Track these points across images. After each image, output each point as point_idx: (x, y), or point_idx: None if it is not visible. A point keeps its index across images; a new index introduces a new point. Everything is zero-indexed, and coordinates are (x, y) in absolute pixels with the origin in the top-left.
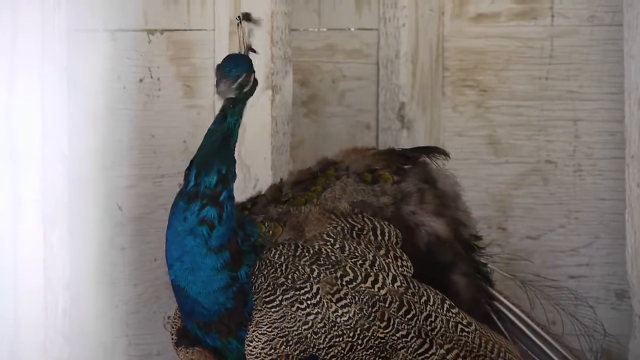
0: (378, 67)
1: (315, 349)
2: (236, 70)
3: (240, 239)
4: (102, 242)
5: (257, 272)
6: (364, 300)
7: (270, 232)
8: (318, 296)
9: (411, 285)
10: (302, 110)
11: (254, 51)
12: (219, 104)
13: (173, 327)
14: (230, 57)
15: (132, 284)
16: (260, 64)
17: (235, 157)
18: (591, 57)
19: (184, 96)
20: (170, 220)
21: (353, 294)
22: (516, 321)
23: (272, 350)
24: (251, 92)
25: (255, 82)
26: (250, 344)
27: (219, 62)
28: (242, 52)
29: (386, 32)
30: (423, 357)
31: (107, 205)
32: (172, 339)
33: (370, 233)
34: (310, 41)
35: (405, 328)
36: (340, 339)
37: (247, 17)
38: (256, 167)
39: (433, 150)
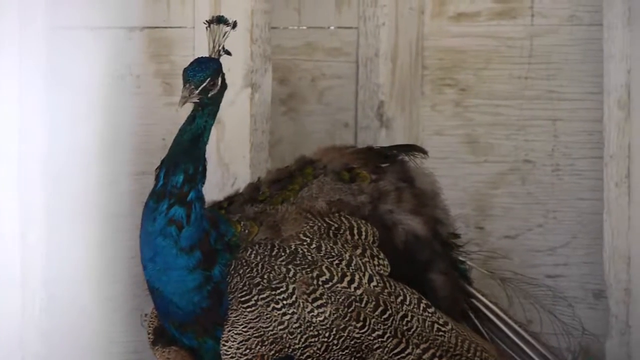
0: (357, 66)
1: (290, 349)
2: (200, 75)
3: (213, 239)
4: (80, 240)
5: (232, 272)
6: (340, 300)
7: (247, 231)
8: (294, 296)
9: (387, 284)
10: (281, 108)
11: (229, 53)
12: None
13: (150, 326)
14: (197, 61)
15: (109, 281)
16: (239, 61)
17: (210, 156)
18: (571, 56)
19: (163, 93)
20: (142, 221)
21: (329, 294)
22: (494, 319)
23: (248, 350)
24: (219, 96)
25: (224, 85)
26: (226, 343)
27: (186, 66)
28: (213, 55)
29: (366, 30)
30: (399, 357)
31: (85, 203)
32: (149, 338)
33: (347, 232)
34: (290, 39)
35: (382, 328)
36: (316, 339)
37: (220, 19)
38: (235, 165)
39: (411, 149)
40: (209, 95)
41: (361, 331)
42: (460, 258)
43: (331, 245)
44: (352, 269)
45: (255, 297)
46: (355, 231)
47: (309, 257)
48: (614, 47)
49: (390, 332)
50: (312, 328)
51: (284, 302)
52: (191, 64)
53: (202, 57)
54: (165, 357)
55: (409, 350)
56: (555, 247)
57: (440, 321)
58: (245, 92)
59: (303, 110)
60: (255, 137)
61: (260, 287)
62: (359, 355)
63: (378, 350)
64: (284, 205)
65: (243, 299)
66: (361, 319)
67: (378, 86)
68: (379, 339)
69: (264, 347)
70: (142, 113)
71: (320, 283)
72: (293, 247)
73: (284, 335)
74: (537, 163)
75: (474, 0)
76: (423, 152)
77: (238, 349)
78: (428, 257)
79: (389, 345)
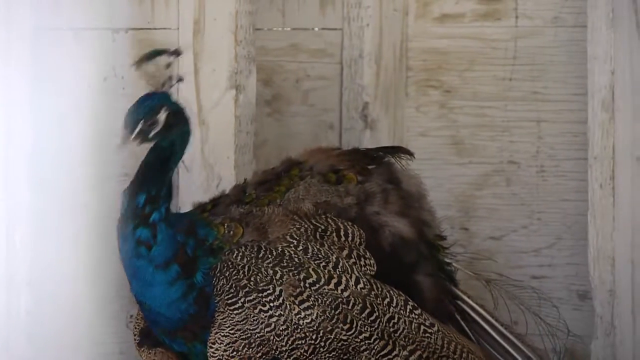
0: (342, 67)
1: (277, 351)
2: (134, 117)
3: (191, 247)
4: (65, 241)
5: (218, 274)
6: (327, 302)
7: (231, 232)
8: (281, 298)
9: (374, 287)
10: (265, 109)
11: (180, 80)
12: (182, 104)
13: (136, 328)
14: (135, 102)
15: (95, 282)
16: (223, 63)
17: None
18: (555, 58)
19: None
20: (117, 241)
21: (316, 296)
22: (480, 321)
23: (235, 353)
24: (165, 130)
25: (170, 118)
26: (213, 345)
27: None
28: (160, 89)
29: (350, 32)
30: (386, 358)
31: (70, 204)
32: (135, 339)
33: (334, 234)
34: (274, 40)
35: (368, 330)
36: (303, 341)
37: (150, 56)
38: (219, 166)
39: (397, 150)
40: (150, 135)
41: (348, 333)
42: (447, 260)
43: (318, 247)
44: (339, 271)
45: (242, 299)
46: (342, 233)
47: (296, 259)
48: (597, 48)
49: (377, 334)
50: (299, 330)
51: (271, 304)
52: (129, 108)
53: (142, 96)
54: (151, 358)
55: (395, 352)
56: (540, 248)
57: (427, 323)
58: (229, 94)
59: (287, 112)
60: (240, 139)
61: (247, 289)
62: (345, 357)
63: (365, 352)
64: (270, 206)
65: (230, 301)
66: (348, 321)
67: (362, 87)
68: (366, 341)
69: (250, 350)
70: None
71: (307, 285)
72: (280, 249)
73: (271, 338)
74: (521, 164)
75: (458, 2)
76: (409, 153)
77: (225, 351)
78: (414, 259)
79: (375, 347)
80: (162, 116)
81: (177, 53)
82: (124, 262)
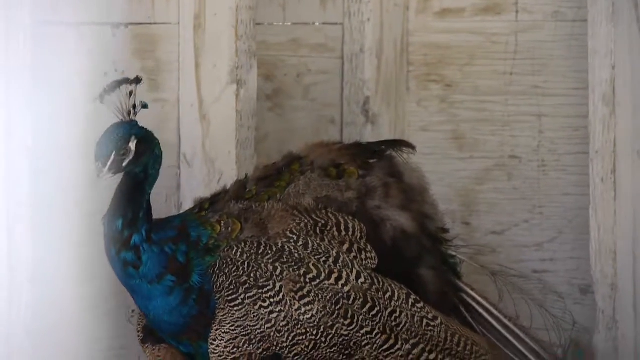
0: (343, 62)
1: (278, 348)
2: (106, 150)
3: (182, 253)
4: (65, 237)
5: (217, 271)
6: (328, 297)
7: (229, 229)
8: (281, 294)
9: (375, 281)
10: (266, 104)
11: (145, 106)
12: (183, 99)
13: (139, 324)
14: (104, 134)
15: (93, 279)
16: (224, 58)
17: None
18: (555, 52)
19: (148, 90)
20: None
21: (316, 292)
22: (484, 313)
23: (235, 349)
24: (137, 157)
25: (140, 143)
26: (214, 342)
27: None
28: (126, 119)
29: (351, 26)
30: (388, 353)
31: (70, 200)
32: (139, 336)
33: (334, 229)
34: (275, 35)
35: (370, 325)
36: (304, 337)
37: (112, 87)
38: (220, 161)
39: (399, 144)
40: (124, 164)
41: (349, 328)
42: (450, 252)
43: (318, 242)
44: (340, 266)
45: (242, 296)
46: (343, 227)
47: (296, 255)
48: (598, 43)
49: (379, 329)
50: (299, 326)
51: (271, 300)
52: (98, 141)
53: (112, 125)
54: (155, 355)
55: (398, 346)
56: (542, 242)
57: (430, 316)
58: (230, 89)
59: (289, 106)
60: (241, 134)
61: (247, 285)
62: (347, 352)
63: (367, 347)
64: (270, 202)
65: (230, 297)
66: (349, 316)
67: (363, 82)
68: (368, 336)
69: (251, 346)
70: None
71: (307, 280)
72: (280, 244)
73: (272, 334)
74: (522, 159)
75: None
76: (411, 147)
77: (226, 347)
78: (417, 253)
79: (377, 342)
80: (132, 145)
81: (137, 81)
82: (120, 279)
